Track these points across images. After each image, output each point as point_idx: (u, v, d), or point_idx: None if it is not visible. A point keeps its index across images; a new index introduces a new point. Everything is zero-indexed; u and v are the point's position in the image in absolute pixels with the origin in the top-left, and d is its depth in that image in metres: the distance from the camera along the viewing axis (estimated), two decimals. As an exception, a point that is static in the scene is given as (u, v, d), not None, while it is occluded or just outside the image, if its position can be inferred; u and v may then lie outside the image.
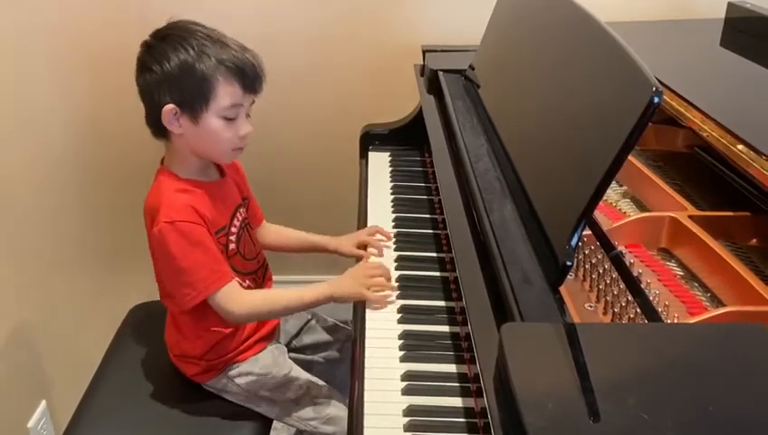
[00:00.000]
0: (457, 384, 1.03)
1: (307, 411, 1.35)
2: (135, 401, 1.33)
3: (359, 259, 1.36)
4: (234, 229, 1.31)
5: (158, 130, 1.23)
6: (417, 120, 1.63)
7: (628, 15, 1.67)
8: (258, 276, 1.40)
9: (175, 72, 1.17)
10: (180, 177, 1.24)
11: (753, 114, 1.20)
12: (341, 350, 1.51)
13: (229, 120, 1.20)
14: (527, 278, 0.93)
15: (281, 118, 1.95)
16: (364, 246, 1.38)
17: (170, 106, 1.18)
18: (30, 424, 1.49)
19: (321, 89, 1.96)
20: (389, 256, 1.33)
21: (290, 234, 1.51)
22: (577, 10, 1.17)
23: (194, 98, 1.18)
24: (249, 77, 1.20)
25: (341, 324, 1.52)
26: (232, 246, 1.31)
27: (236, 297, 1.23)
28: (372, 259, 1.33)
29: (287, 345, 1.47)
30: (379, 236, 1.38)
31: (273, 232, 1.50)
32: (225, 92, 1.18)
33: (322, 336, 1.51)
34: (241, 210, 1.35)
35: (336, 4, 1.88)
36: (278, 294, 1.31)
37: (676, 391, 0.74)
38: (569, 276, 0.92)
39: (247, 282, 1.35)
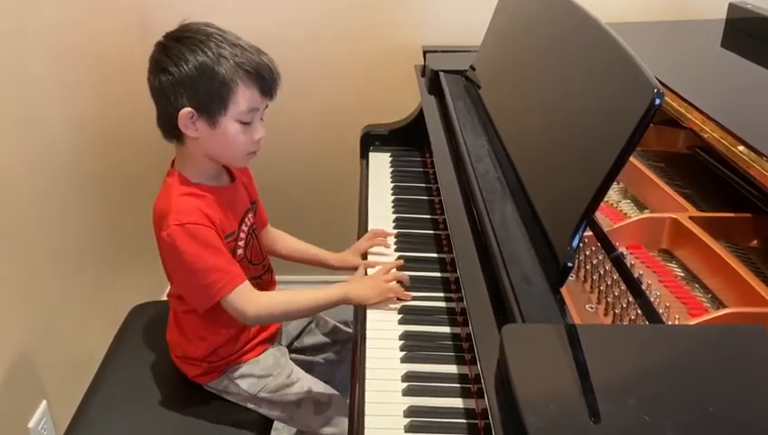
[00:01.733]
0: (458, 385, 1.03)
1: (308, 412, 1.35)
2: (136, 401, 1.33)
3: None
4: (242, 235, 1.30)
5: (171, 132, 1.21)
6: (418, 121, 1.63)
7: (629, 16, 1.67)
8: (263, 281, 1.39)
9: (193, 74, 1.15)
10: (191, 181, 1.23)
11: (754, 115, 1.20)
12: (339, 352, 1.51)
13: (245, 124, 1.19)
14: (528, 279, 0.93)
15: (281, 118, 1.94)
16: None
17: (188, 110, 1.16)
18: (30, 424, 1.49)
19: (321, 89, 1.96)
20: (390, 257, 1.33)
21: (296, 245, 1.49)
22: (577, 10, 1.17)
23: (212, 102, 1.16)
24: (267, 81, 1.19)
25: (341, 326, 1.52)
26: (240, 251, 1.29)
27: (250, 297, 1.22)
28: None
29: (288, 347, 1.47)
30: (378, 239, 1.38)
31: (279, 240, 1.49)
32: (244, 97, 1.17)
33: (323, 338, 1.50)
34: (249, 215, 1.33)
35: (337, 4, 1.88)
36: (292, 295, 1.28)
37: (676, 392, 0.74)
38: (570, 278, 0.92)
39: (251, 287, 1.34)
